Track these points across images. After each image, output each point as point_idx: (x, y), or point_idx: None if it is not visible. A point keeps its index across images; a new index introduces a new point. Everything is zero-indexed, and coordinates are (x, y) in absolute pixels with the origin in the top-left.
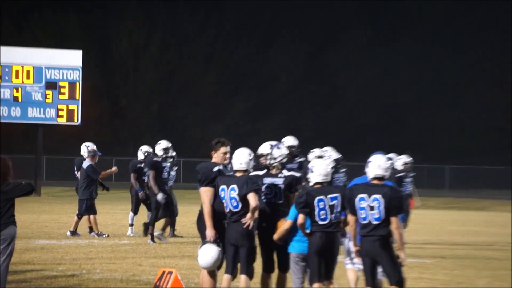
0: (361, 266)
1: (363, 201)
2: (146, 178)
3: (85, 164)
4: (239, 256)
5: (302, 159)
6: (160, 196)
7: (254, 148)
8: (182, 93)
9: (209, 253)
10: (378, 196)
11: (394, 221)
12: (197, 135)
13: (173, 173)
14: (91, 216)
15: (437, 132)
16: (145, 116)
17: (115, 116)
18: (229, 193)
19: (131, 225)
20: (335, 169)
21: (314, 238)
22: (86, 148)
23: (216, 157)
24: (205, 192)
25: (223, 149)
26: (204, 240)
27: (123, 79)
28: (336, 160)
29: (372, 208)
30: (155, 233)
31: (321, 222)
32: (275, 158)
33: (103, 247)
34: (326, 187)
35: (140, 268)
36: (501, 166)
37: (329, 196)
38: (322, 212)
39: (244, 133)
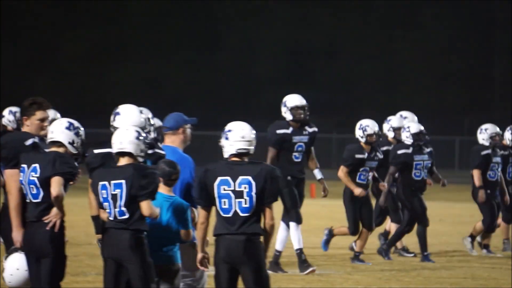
0: None
1: (225, 186)
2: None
3: None
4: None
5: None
6: None
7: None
8: None
9: (19, 265)
10: (249, 178)
11: (269, 212)
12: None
13: None
14: None
15: None
16: None
17: None
18: (29, 176)
19: None
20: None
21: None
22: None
23: (30, 125)
24: (13, 177)
25: (39, 114)
26: (10, 248)
27: None
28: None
29: (239, 194)
30: None
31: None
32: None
33: None
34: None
35: None
36: None
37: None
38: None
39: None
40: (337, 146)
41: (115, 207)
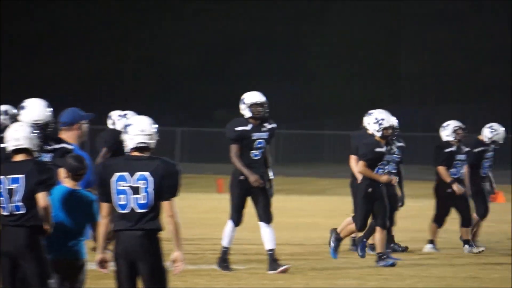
0: None
1: (122, 182)
2: None
3: None
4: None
5: None
6: None
7: None
8: None
9: None
10: (146, 174)
11: (168, 206)
12: None
13: None
14: None
15: None
16: None
17: None
18: None
19: None
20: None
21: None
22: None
23: None
24: None
25: None
26: None
27: None
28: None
29: (136, 190)
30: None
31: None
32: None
33: None
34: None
35: None
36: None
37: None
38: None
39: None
40: None
41: (10, 202)
